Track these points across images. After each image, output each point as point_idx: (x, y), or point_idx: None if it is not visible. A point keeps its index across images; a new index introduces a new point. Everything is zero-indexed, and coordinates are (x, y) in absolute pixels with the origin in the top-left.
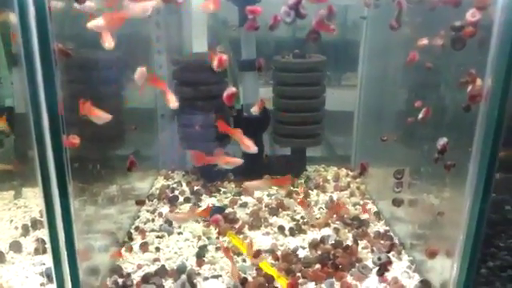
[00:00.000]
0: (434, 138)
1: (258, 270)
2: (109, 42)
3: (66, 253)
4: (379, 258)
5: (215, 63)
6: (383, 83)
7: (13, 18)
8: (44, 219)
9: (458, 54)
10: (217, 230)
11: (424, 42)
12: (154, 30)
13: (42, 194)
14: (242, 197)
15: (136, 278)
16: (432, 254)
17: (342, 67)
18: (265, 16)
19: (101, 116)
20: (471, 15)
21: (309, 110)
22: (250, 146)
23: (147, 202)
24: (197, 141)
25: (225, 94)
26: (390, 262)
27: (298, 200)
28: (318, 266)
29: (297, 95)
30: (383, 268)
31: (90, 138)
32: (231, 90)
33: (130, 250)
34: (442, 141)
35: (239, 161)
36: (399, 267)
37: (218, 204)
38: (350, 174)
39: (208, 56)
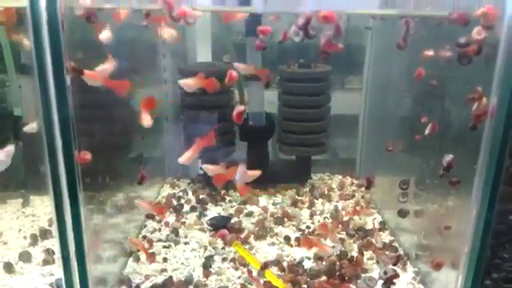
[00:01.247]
0: (440, 149)
1: (265, 282)
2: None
3: (76, 262)
4: (385, 272)
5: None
6: (388, 90)
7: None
8: (54, 229)
9: (465, 67)
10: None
11: (430, 53)
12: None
13: (53, 203)
14: (248, 206)
15: None
16: (437, 266)
17: (345, 71)
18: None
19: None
20: (477, 33)
21: (314, 120)
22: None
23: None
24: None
25: (234, 113)
26: (396, 276)
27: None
28: (323, 277)
29: (302, 105)
30: (389, 282)
31: (98, 146)
32: (240, 108)
33: (138, 260)
34: (448, 157)
35: (257, 173)
36: (404, 279)
37: (223, 213)
38: (355, 182)
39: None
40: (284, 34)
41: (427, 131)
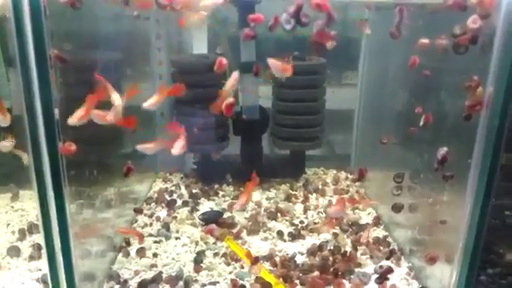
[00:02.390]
0: (435, 142)
1: (257, 277)
2: None
3: (61, 258)
4: (381, 267)
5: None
6: (384, 84)
7: None
8: (40, 223)
9: (461, 57)
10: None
11: (425, 41)
12: (154, 27)
13: (37, 197)
14: None
15: (133, 284)
16: (432, 260)
17: (342, 66)
18: (265, 15)
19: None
20: (472, 22)
21: (308, 113)
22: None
23: (145, 205)
24: (196, 143)
25: (224, 104)
26: (390, 271)
27: None
28: (316, 272)
29: (296, 98)
30: (383, 276)
31: (87, 140)
32: (229, 100)
33: (127, 255)
34: (443, 151)
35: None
36: (398, 274)
37: (216, 208)
38: (350, 177)
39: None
40: (275, 19)
41: (421, 122)
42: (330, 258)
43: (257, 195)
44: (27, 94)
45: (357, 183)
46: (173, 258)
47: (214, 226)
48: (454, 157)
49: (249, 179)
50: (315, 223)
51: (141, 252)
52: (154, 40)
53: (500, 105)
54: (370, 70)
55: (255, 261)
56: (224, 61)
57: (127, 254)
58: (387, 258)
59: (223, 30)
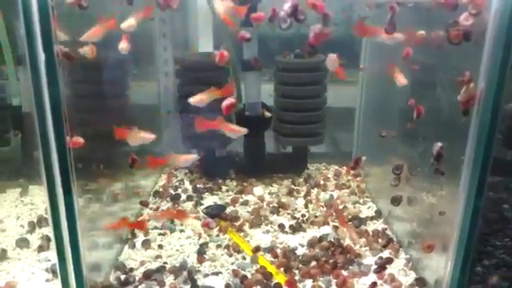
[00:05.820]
0: (434, 137)
1: (259, 267)
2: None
3: (70, 249)
4: (381, 258)
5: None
6: (384, 81)
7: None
8: (49, 217)
9: (459, 54)
10: (218, 227)
11: (421, 33)
12: (160, 26)
13: (46, 191)
14: (243, 195)
15: (138, 274)
16: (429, 248)
17: (344, 63)
18: (267, 11)
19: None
20: (465, 19)
21: (310, 110)
22: (239, 130)
23: (151, 199)
24: (200, 139)
25: (223, 105)
26: (390, 261)
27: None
28: (315, 263)
29: (298, 94)
30: (381, 266)
31: (95, 136)
32: (230, 100)
33: (133, 246)
34: (437, 146)
35: (243, 130)
36: (396, 265)
37: (219, 202)
38: (351, 172)
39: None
40: (273, 11)
41: (414, 115)
42: (330, 250)
43: (260, 190)
44: (36, 91)
45: (358, 178)
46: (177, 250)
47: (209, 219)
48: (452, 151)
49: (252, 174)
50: (316, 216)
51: (146, 244)
52: (160, 39)
53: (491, 100)
54: (371, 67)
55: (256, 250)
56: (225, 53)
57: (133, 246)
58: (384, 247)
59: (226, 28)
